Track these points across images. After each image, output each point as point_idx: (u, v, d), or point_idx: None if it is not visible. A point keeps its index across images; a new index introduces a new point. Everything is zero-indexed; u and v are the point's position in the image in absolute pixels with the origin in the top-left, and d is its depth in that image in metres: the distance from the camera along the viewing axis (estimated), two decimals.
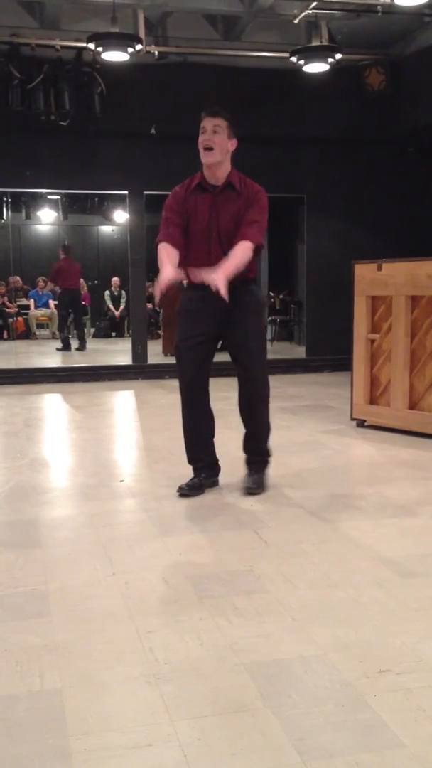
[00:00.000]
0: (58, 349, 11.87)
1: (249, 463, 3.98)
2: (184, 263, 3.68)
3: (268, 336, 12.19)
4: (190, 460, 3.96)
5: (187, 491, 3.83)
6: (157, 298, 3.75)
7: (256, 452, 3.96)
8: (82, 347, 12.02)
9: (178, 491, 3.85)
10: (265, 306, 3.85)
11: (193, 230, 3.66)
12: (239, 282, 3.61)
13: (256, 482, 3.90)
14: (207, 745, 1.77)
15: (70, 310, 12.09)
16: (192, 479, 3.91)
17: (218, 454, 3.99)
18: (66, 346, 11.89)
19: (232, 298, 3.52)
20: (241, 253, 3.54)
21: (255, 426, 3.91)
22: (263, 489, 3.90)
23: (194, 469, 3.95)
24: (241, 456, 3.99)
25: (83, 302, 15.01)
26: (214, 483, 3.97)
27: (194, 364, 3.77)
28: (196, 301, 3.73)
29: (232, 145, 3.65)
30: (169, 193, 3.76)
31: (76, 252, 14.16)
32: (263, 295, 3.78)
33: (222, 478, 4.03)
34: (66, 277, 11.73)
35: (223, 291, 3.33)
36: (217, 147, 3.58)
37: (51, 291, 14.74)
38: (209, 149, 3.58)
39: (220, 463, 4.01)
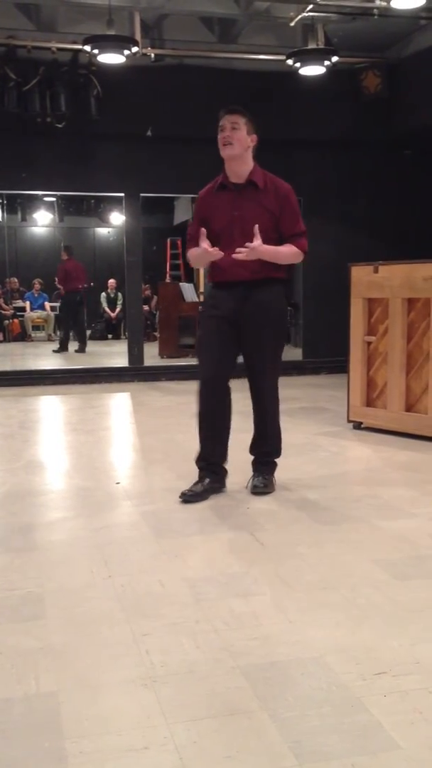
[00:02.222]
0: (54, 351, 11.83)
1: (258, 462, 3.96)
2: (213, 264, 3.74)
3: None
4: (198, 462, 3.86)
5: (189, 496, 3.73)
6: (209, 250, 3.59)
7: (263, 453, 3.95)
8: (82, 349, 11.97)
9: (180, 497, 3.75)
10: (285, 312, 3.87)
11: (216, 230, 3.67)
12: (263, 278, 3.66)
13: (264, 482, 3.87)
14: (203, 748, 1.76)
15: (75, 311, 11.98)
16: (195, 483, 3.82)
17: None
18: (64, 348, 11.85)
19: (252, 295, 3.66)
20: (288, 249, 3.67)
21: (263, 427, 3.91)
22: (272, 489, 3.89)
23: (199, 470, 3.86)
24: (241, 459, 3.99)
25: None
26: (218, 489, 3.87)
27: (213, 362, 3.76)
28: (217, 298, 3.78)
29: (252, 140, 3.68)
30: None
31: (74, 254, 14.14)
32: (285, 300, 3.80)
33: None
34: (73, 279, 11.67)
35: (244, 256, 3.48)
36: (235, 142, 3.62)
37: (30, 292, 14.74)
38: (228, 144, 3.62)
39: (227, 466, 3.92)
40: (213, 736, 1.81)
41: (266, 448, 3.95)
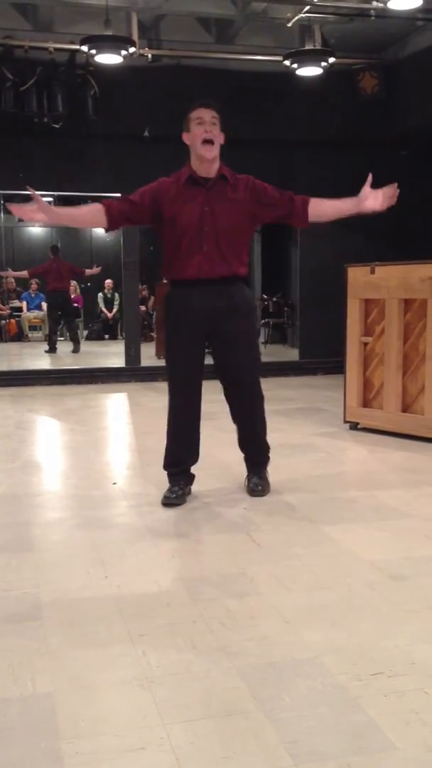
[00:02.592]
0: (45, 351, 11.83)
1: (250, 462, 3.91)
2: (174, 260, 3.58)
3: (262, 338, 12.34)
4: (172, 465, 3.80)
5: (174, 500, 3.70)
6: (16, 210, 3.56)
7: (256, 450, 3.90)
8: (75, 350, 11.94)
9: (163, 501, 3.71)
10: (255, 308, 3.79)
11: (183, 225, 3.51)
12: (228, 278, 3.57)
13: (260, 483, 3.85)
14: (199, 748, 1.77)
15: (60, 312, 12.01)
16: (172, 488, 3.76)
17: (209, 458, 3.96)
18: (52, 349, 11.82)
19: (219, 294, 3.54)
20: (323, 204, 3.65)
21: (251, 424, 3.84)
22: (268, 488, 3.86)
23: (172, 475, 3.79)
24: (233, 459, 3.99)
25: (75, 304, 14.98)
26: (189, 491, 3.84)
27: (186, 368, 3.69)
28: (181, 299, 3.62)
29: (222, 138, 3.58)
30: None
31: (70, 254, 14.12)
32: (254, 296, 3.77)
33: (214, 482, 4.03)
34: (54, 278, 11.67)
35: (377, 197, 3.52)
36: (216, 140, 3.51)
37: (31, 291, 14.73)
38: (210, 142, 3.48)
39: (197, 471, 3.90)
40: (209, 736, 1.81)
41: (258, 445, 3.89)
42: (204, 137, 3.48)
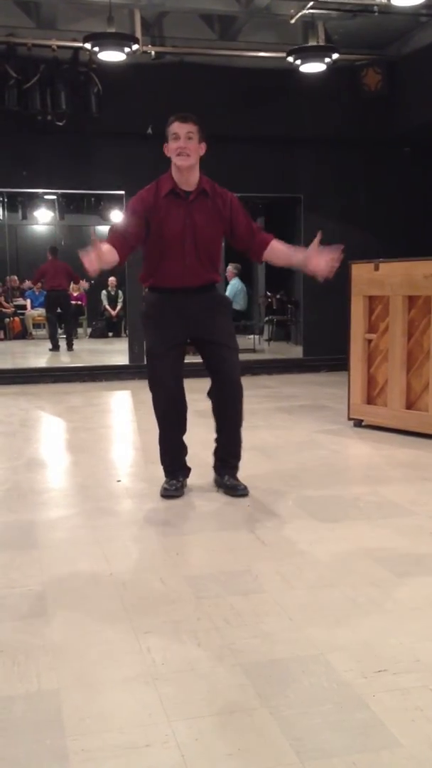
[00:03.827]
0: (50, 350, 11.88)
1: (227, 467, 3.89)
2: (156, 270, 3.69)
3: (265, 336, 12.33)
4: (169, 467, 3.89)
5: (174, 492, 3.80)
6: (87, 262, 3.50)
7: (235, 455, 3.90)
8: (68, 348, 12.04)
9: (162, 494, 3.80)
10: (231, 304, 3.93)
11: (166, 237, 3.61)
12: (206, 285, 3.73)
13: (240, 485, 3.84)
14: (204, 745, 1.77)
15: (59, 311, 12.07)
16: (170, 481, 3.85)
17: (203, 455, 3.97)
18: (55, 347, 11.90)
19: (198, 300, 3.68)
20: (281, 247, 3.75)
21: (234, 427, 3.86)
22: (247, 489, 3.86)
23: (169, 471, 3.88)
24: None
25: (79, 302, 14.99)
26: (185, 484, 3.93)
27: (170, 373, 3.74)
28: (161, 306, 3.72)
29: (202, 149, 3.63)
30: None
31: (73, 252, 14.03)
32: (228, 298, 3.94)
33: (212, 478, 4.01)
34: (50, 278, 11.78)
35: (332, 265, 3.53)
36: (192, 153, 3.57)
37: (31, 290, 14.80)
38: (186, 155, 3.55)
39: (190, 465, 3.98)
40: (214, 733, 1.81)
41: (236, 450, 3.89)
42: (177, 152, 3.57)
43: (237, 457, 3.91)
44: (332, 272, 3.55)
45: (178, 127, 3.57)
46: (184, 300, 3.68)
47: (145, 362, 3.85)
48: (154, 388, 3.80)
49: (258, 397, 7.20)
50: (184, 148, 3.54)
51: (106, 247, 3.51)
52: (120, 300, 14.84)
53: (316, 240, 3.57)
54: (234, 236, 3.75)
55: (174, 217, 3.61)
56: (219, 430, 3.87)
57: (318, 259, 3.56)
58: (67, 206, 15.72)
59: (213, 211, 3.66)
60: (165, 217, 3.61)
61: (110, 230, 3.76)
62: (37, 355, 11.76)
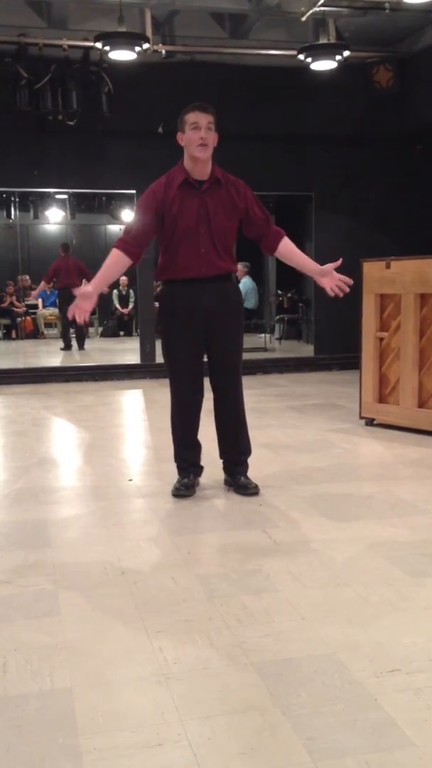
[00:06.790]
0: (61, 349, 11.90)
1: (237, 464, 3.89)
2: (172, 262, 3.68)
3: (277, 334, 12.32)
4: (182, 463, 3.90)
5: (185, 491, 3.80)
6: (70, 315, 3.69)
7: (243, 451, 3.89)
8: (80, 347, 12.04)
9: (173, 493, 3.81)
10: (243, 305, 4.01)
11: (181, 228, 3.61)
12: (223, 275, 3.69)
13: (251, 483, 3.84)
14: (217, 744, 1.77)
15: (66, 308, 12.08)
16: (182, 479, 3.86)
17: (214, 454, 3.96)
18: (67, 346, 11.90)
19: (214, 290, 3.67)
20: (294, 247, 3.81)
21: (237, 426, 3.86)
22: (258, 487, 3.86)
23: (182, 469, 3.89)
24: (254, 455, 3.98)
25: None
26: (198, 483, 3.93)
27: (191, 367, 3.75)
28: (178, 299, 3.70)
29: (216, 139, 3.64)
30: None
31: (84, 251, 14.12)
32: (241, 294, 4.00)
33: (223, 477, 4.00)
34: (64, 275, 11.72)
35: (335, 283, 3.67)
36: (210, 144, 3.57)
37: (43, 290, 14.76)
38: (205, 145, 3.54)
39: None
40: (227, 732, 1.81)
41: (242, 447, 3.90)
42: (199, 143, 3.55)
43: (246, 452, 3.90)
44: (340, 295, 3.69)
45: (198, 117, 3.55)
46: (201, 291, 3.65)
47: (163, 359, 3.86)
48: (173, 384, 3.82)
49: (269, 396, 7.19)
50: (206, 139, 3.54)
51: (90, 287, 3.62)
52: (131, 299, 14.86)
53: (335, 264, 3.68)
54: (250, 223, 3.73)
55: (188, 207, 3.61)
56: (223, 430, 3.87)
57: (330, 279, 3.69)
58: (78, 205, 15.75)
59: (227, 200, 3.65)
60: (179, 208, 3.60)
61: (124, 232, 3.77)
62: (49, 354, 11.79)
